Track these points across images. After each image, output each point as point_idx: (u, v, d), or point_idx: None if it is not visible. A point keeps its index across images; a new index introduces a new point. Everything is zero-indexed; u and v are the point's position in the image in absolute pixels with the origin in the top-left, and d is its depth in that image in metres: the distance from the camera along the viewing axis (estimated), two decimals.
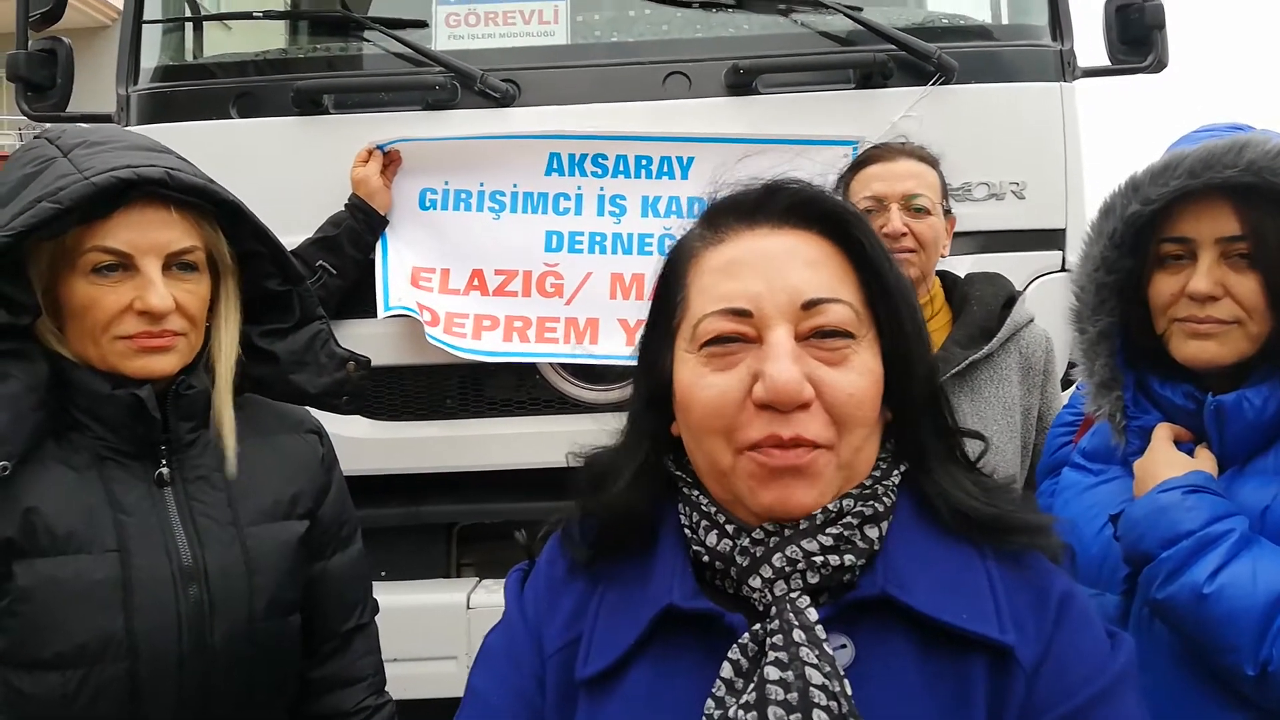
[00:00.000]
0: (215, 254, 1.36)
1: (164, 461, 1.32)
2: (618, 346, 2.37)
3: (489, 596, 2.39)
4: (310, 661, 1.46)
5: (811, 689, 0.78)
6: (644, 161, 2.47)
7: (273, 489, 1.40)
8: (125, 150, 1.29)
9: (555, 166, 2.47)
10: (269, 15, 2.66)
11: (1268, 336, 1.25)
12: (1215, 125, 1.37)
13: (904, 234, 1.86)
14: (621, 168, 2.47)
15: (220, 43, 2.89)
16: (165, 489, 1.32)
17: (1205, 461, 1.27)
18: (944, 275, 2.07)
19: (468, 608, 2.37)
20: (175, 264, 1.30)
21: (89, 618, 1.23)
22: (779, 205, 0.91)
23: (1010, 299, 2.01)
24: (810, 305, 0.85)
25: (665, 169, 2.47)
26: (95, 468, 1.29)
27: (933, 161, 1.98)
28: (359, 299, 2.41)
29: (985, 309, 1.97)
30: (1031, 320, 2.02)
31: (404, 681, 2.12)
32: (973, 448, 0.95)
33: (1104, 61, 2.68)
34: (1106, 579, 1.33)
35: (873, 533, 0.86)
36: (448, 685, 2.31)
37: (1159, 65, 2.61)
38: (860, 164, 1.98)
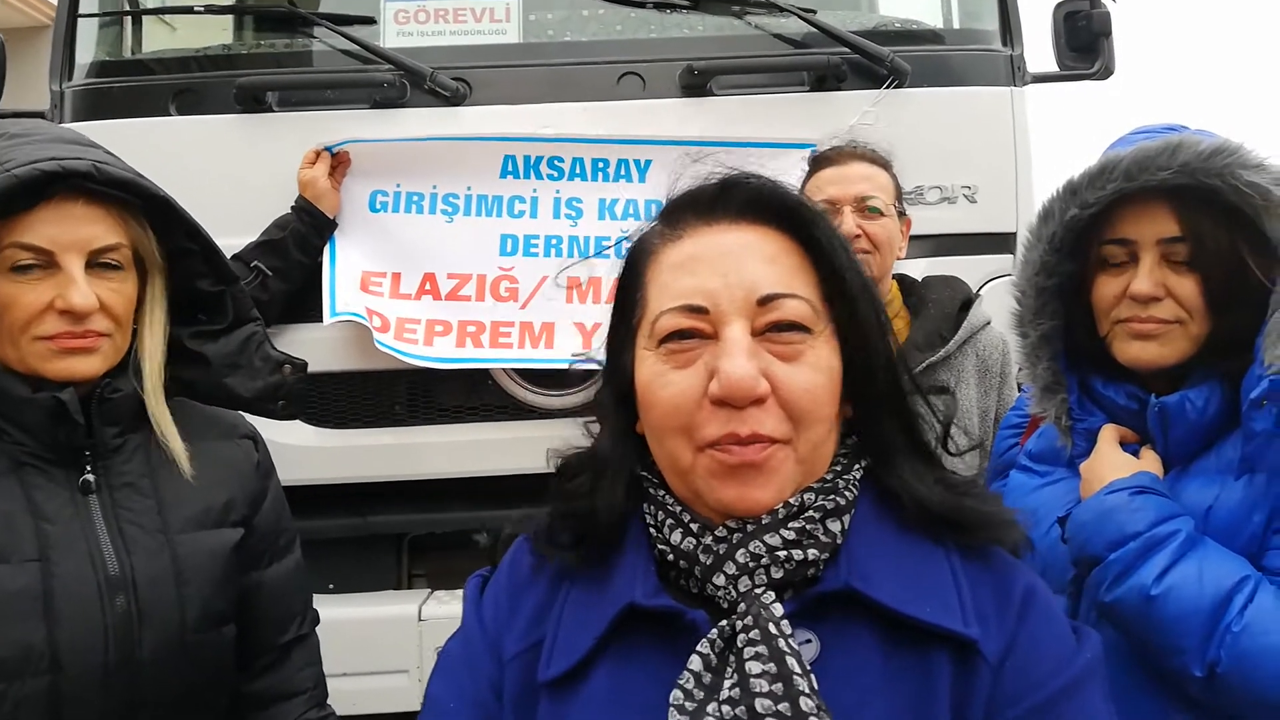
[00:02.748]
0: (142, 251, 1.32)
1: (89, 468, 1.28)
2: (574, 351, 2.34)
3: (441, 608, 2.34)
4: (247, 675, 1.43)
5: (795, 678, 0.78)
6: (600, 164, 2.45)
7: (203, 496, 1.35)
8: (48, 143, 1.25)
9: (510, 169, 2.44)
10: (210, 10, 2.59)
11: (1207, 337, 1.26)
12: (1150, 126, 1.38)
13: (858, 236, 1.89)
14: (578, 170, 2.45)
15: (161, 39, 2.82)
16: (90, 496, 1.27)
17: (1150, 462, 1.28)
18: (901, 279, 2.08)
19: (419, 620, 2.32)
20: (99, 261, 1.26)
21: (8, 630, 1.18)
22: (736, 200, 0.91)
23: (967, 302, 2.04)
24: (766, 300, 0.86)
25: (622, 171, 2.45)
26: (14, 474, 1.24)
27: (885, 164, 2.00)
28: (305, 302, 2.36)
29: (942, 312, 1.99)
30: (988, 323, 2.04)
31: (355, 696, 2.09)
32: (946, 406, 0.96)
33: (1053, 67, 2.72)
34: (1053, 581, 1.32)
35: (835, 526, 0.86)
36: (399, 699, 2.27)
37: (1106, 72, 2.67)
38: (814, 167, 2.00)
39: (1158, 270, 1.27)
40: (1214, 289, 1.24)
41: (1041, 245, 1.35)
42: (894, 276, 2.03)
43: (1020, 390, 1.61)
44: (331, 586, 2.36)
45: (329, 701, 1.52)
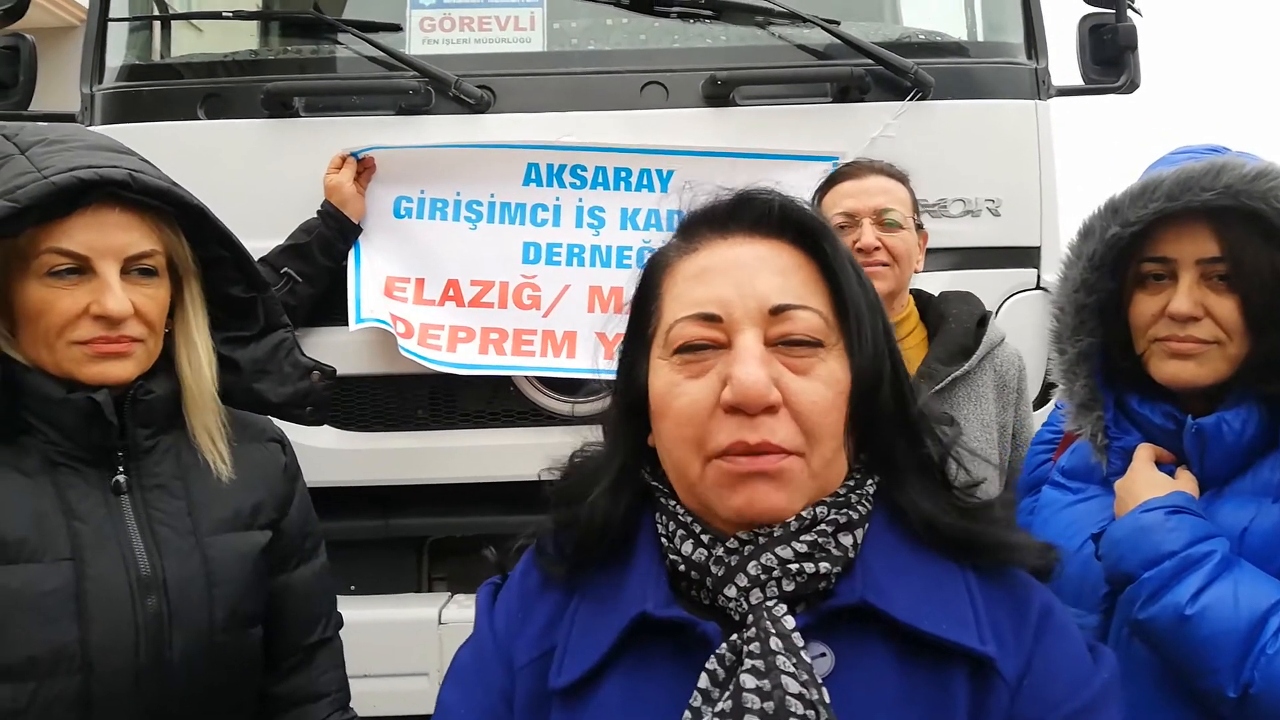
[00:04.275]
0: (176, 259, 1.33)
1: (121, 469, 1.29)
2: (595, 360, 2.34)
3: (461, 611, 2.35)
4: (272, 676, 1.43)
5: (788, 698, 0.77)
6: (623, 173, 2.45)
7: (233, 499, 1.36)
8: (85, 150, 1.26)
9: (533, 177, 2.44)
10: (239, 15, 2.61)
11: (1245, 358, 1.26)
12: (1193, 147, 1.38)
13: (877, 248, 1.90)
14: (600, 179, 2.45)
15: (189, 43, 2.84)
16: (122, 497, 1.28)
17: (1186, 483, 1.28)
18: (918, 294, 2.08)
19: (439, 623, 2.33)
20: (134, 268, 1.27)
21: (40, 629, 1.19)
22: (750, 215, 0.93)
23: (983, 318, 2.04)
24: (779, 311, 0.86)
25: (645, 181, 2.45)
26: (47, 473, 1.25)
27: (902, 178, 2.01)
28: (331, 306, 2.37)
29: (962, 327, 1.99)
30: (1004, 339, 2.04)
31: (374, 698, 2.09)
32: (950, 435, 0.95)
33: (1078, 81, 2.71)
34: (1086, 598, 1.33)
35: (847, 540, 0.86)
36: (419, 702, 2.27)
37: (1131, 86, 2.65)
38: (832, 181, 2.02)
39: (1197, 290, 1.27)
40: (1253, 310, 1.24)
41: (1081, 262, 1.35)
42: (910, 291, 2.03)
43: (1056, 406, 1.60)
44: (353, 588, 2.36)
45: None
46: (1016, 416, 2.02)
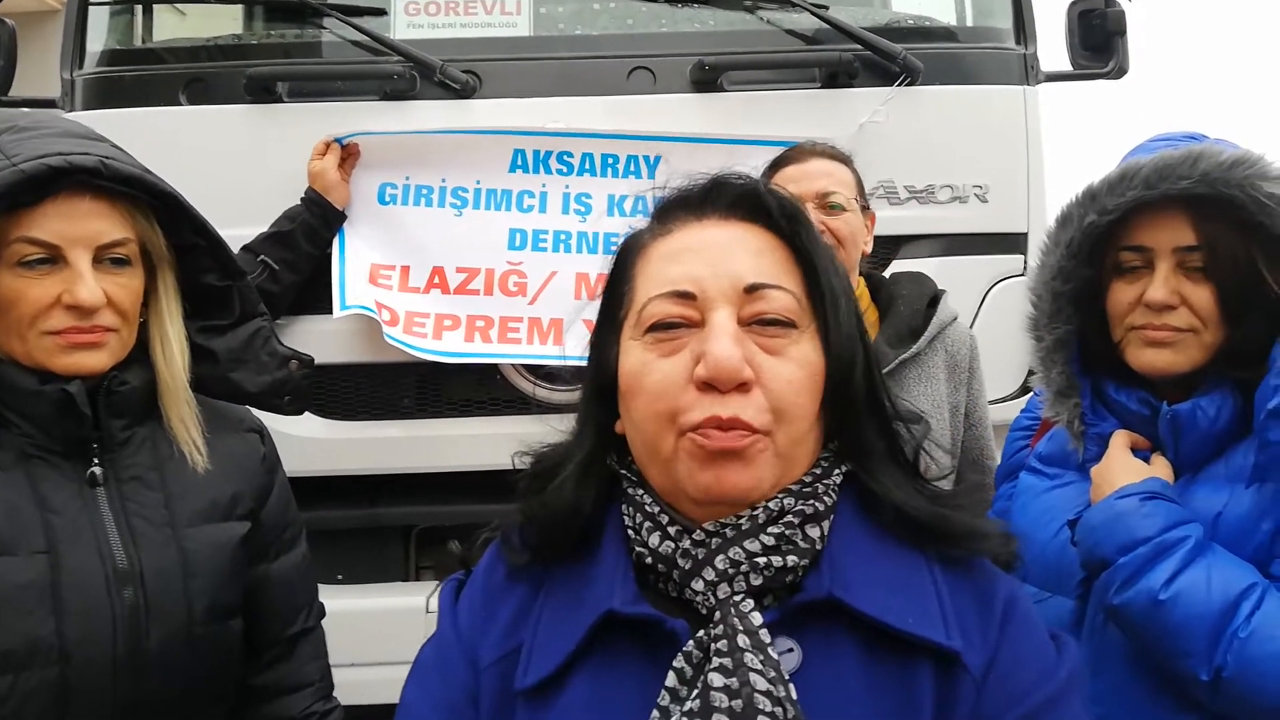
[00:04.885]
0: (150, 247, 1.32)
1: (96, 461, 1.28)
2: (582, 347, 2.34)
3: None
4: (253, 667, 1.43)
5: (756, 695, 0.77)
6: (610, 159, 2.44)
7: (210, 489, 1.35)
8: (56, 137, 1.24)
9: (520, 163, 2.44)
10: (223, 0, 2.59)
11: (1220, 346, 1.27)
12: (1170, 134, 1.38)
13: (821, 231, 1.87)
14: (587, 165, 2.45)
15: (171, 27, 2.82)
16: (97, 489, 1.27)
17: (1161, 469, 1.28)
18: (869, 276, 2.08)
19: (427, 611, 2.34)
20: (106, 257, 1.26)
21: (16, 622, 1.18)
22: (725, 198, 0.93)
23: (934, 298, 2.03)
24: (753, 289, 0.87)
25: (632, 167, 2.45)
26: (21, 466, 1.24)
27: (846, 159, 2.00)
28: (315, 294, 2.37)
29: (911, 308, 1.99)
30: (956, 318, 2.04)
31: (362, 686, 2.09)
32: (918, 433, 0.95)
33: (1066, 67, 2.71)
34: (1062, 583, 1.34)
35: (814, 532, 0.86)
36: None
37: (1120, 71, 2.65)
38: (775, 166, 2.00)
39: (1173, 278, 1.27)
40: (1228, 299, 1.24)
41: (1059, 250, 1.35)
42: (861, 274, 2.02)
43: (1034, 393, 1.60)
44: (340, 577, 2.37)
45: (335, 692, 1.53)
46: (969, 395, 2.02)
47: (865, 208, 1.99)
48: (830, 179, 1.92)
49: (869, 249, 2.00)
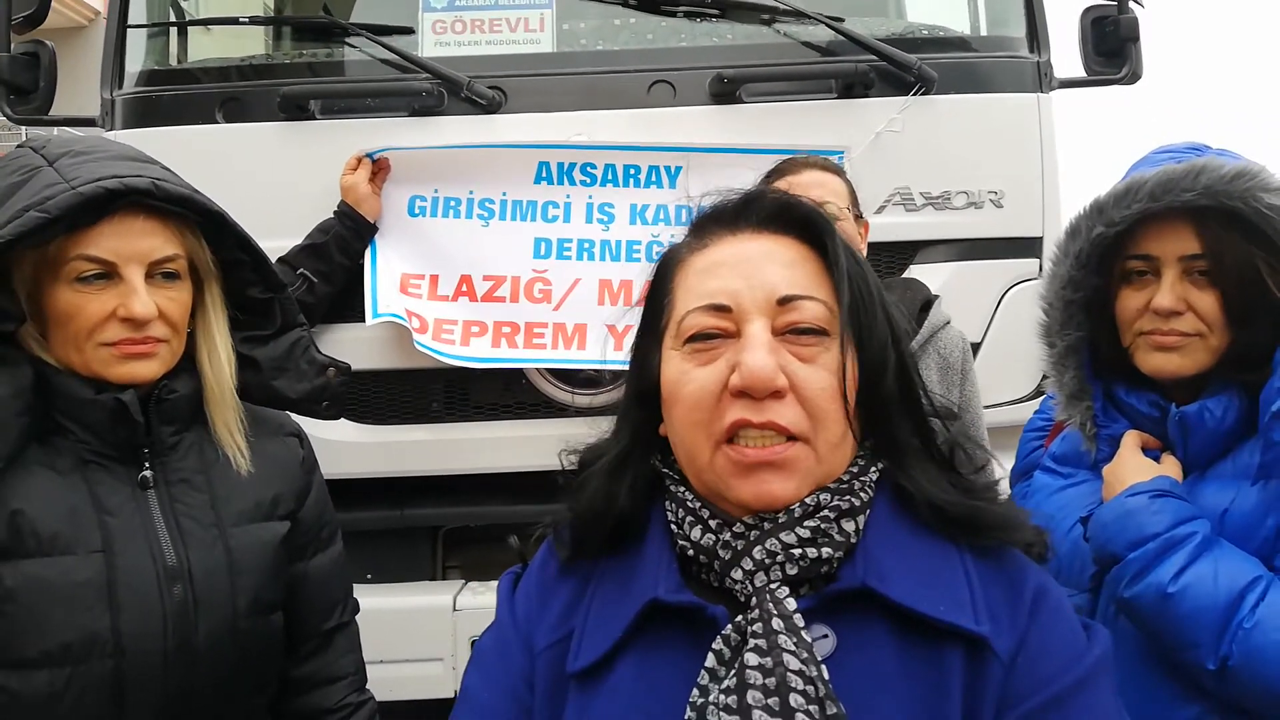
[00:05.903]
0: (197, 262, 1.38)
1: (147, 464, 1.34)
2: (605, 352, 2.39)
3: (475, 599, 2.41)
4: (291, 660, 1.48)
5: (789, 674, 0.81)
6: (632, 170, 2.49)
7: (254, 491, 1.41)
8: (110, 160, 1.31)
9: (544, 175, 2.48)
10: (255, 21, 2.67)
11: (1225, 349, 1.30)
12: (1173, 146, 1.42)
13: None
14: (610, 176, 2.49)
15: (204, 47, 2.89)
16: (148, 491, 1.34)
17: (1171, 468, 1.32)
18: None
19: (454, 610, 2.39)
20: (158, 272, 1.32)
21: (75, 617, 1.24)
22: (758, 213, 0.97)
23: (927, 303, 2.07)
24: (786, 301, 0.90)
25: (654, 178, 2.49)
26: (79, 471, 1.30)
27: (838, 170, 2.05)
28: (347, 303, 2.43)
29: (902, 314, 2.03)
30: (948, 322, 2.07)
31: (391, 683, 2.14)
32: (954, 429, 0.99)
33: (1080, 73, 2.72)
34: (1075, 578, 1.37)
35: (849, 526, 0.89)
36: (434, 687, 2.33)
37: (1133, 77, 2.66)
38: (769, 179, 2.04)
39: (1179, 285, 1.31)
40: (1233, 304, 1.28)
41: (1068, 261, 1.39)
42: None
43: (1047, 396, 1.64)
44: (370, 576, 2.41)
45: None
46: (961, 397, 2.06)
47: (858, 216, 2.03)
48: (823, 189, 1.97)
49: (863, 256, 2.04)
